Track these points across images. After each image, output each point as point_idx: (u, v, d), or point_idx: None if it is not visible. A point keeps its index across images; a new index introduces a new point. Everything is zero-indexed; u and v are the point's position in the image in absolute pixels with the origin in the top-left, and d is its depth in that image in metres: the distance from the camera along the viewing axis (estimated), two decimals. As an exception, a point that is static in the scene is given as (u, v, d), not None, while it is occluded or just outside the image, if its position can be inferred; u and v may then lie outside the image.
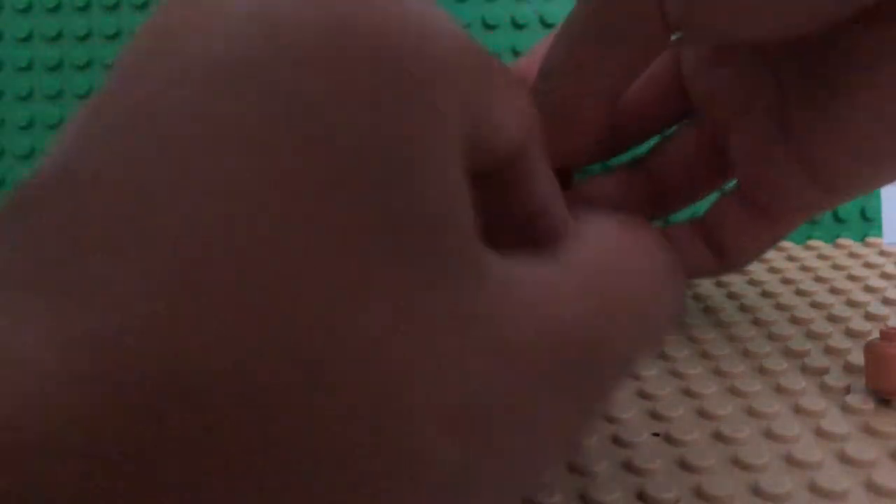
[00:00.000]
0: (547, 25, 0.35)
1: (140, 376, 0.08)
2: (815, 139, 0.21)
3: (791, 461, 0.18)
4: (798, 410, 0.20)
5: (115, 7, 0.36)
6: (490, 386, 0.10)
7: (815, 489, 0.17)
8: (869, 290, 0.28)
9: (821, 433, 0.19)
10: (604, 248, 0.13)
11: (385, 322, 0.09)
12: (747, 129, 0.23)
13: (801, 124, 0.22)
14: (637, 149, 0.34)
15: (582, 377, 0.11)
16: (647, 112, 0.26)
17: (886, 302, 0.27)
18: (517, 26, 0.35)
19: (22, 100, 0.35)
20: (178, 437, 0.08)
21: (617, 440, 0.19)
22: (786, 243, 0.33)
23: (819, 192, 0.22)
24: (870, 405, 0.20)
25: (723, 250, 0.24)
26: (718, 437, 0.19)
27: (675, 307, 0.14)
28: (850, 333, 0.25)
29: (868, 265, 0.31)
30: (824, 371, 0.22)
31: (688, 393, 0.21)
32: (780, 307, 0.27)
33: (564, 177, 0.27)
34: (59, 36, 0.36)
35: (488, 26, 0.35)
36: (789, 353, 0.23)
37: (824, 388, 0.21)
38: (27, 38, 0.36)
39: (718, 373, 0.22)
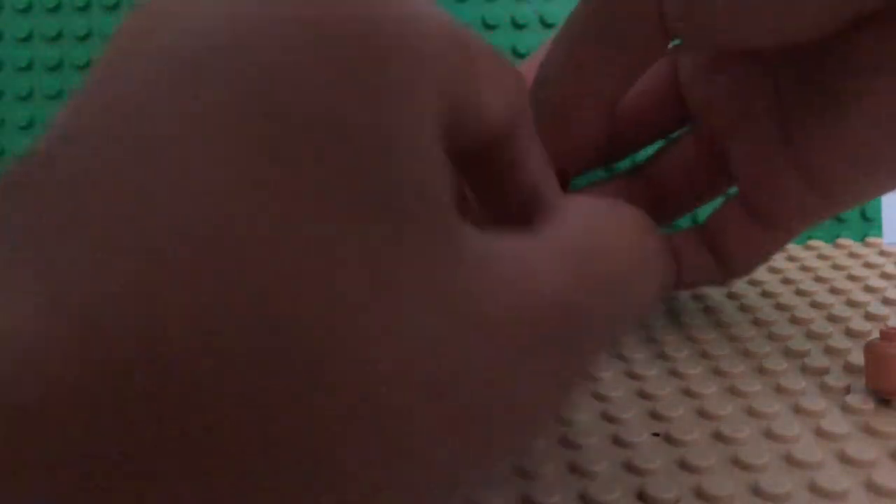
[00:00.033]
0: (547, 25, 0.35)
1: (117, 346, 0.08)
2: (814, 146, 0.21)
3: (791, 461, 0.18)
4: (798, 410, 0.20)
5: (115, 7, 0.36)
6: (468, 360, 0.10)
7: (815, 489, 0.17)
8: (869, 290, 0.28)
9: (821, 433, 0.19)
10: (586, 225, 0.13)
11: (362, 295, 0.09)
12: (746, 136, 0.23)
13: (799, 131, 0.22)
14: (636, 155, 0.34)
15: (560, 351, 0.11)
16: (645, 119, 0.26)
17: (886, 302, 0.27)
18: (517, 26, 0.35)
19: (22, 100, 0.35)
20: (157, 403, 0.08)
21: (617, 440, 0.19)
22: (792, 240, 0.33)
23: (818, 199, 0.22)
24: (870, 405, 0.20)
25: (725, 258, 0.24)
26: (718, 437, 0.19)
27: (660, 286, 0.14)
28: (850, 333, 0.25)
29: (868, 265, 0.31)
30: (824, 371, 0.22)
31: (688, 393, 0.21)
32: (780, 307, 0.27)
33: (561, 182, 0.27)
34: (59, 36, 0.36)
35: (488, 26, 0.35)
36: (789, 353, 0.23)
37: (824, 388, 0.21)
38: (27, 38, 0.36)
39: (718, 373, 0.22)
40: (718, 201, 0.26)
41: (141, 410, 0.08)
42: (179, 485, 0.08)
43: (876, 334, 0.20)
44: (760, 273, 0.30)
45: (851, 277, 0.30)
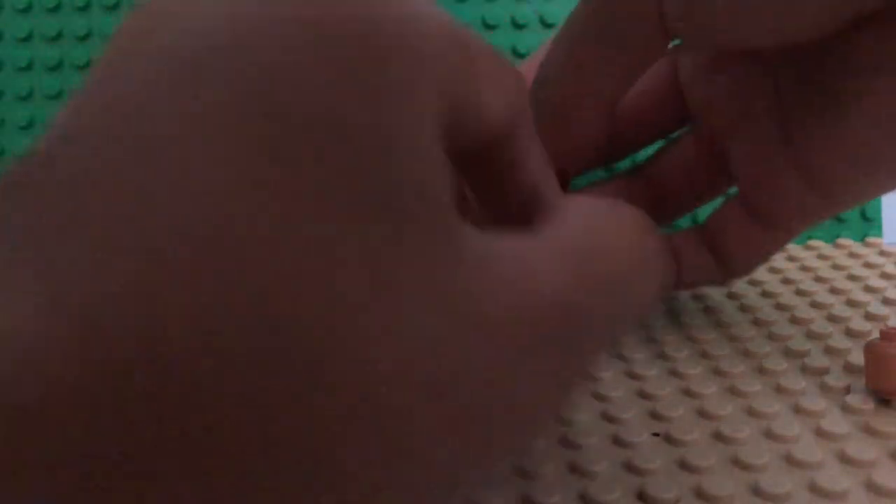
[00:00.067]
0: (547, 25, 0.35)
1: (117, 346, 0.08)
2: (814, 146, 0.21)
3: (791, 461, 0.18)
4: (798, 410, 0.20)
5: (115, 7, 0.36)
6: (468, 360, 0.10)
7: (815, 489, 0.17)
8: (869, 290, 0.28)
9: (821, 433, 0.19)
10: (586, 224, 0.13)
11: (362, 294, 0.09)
12: (746, 136, 0.23)
13: (799, 131, 0.22)
14: (636, 155, 0.34)
15: (560, 351, 0.11)
16: (645, 119, 0.26)
17: (886, 302, 0.27)
18: (517, 26, 0.35)
19: (22, 100, 0.35)
20: (157, 403, 0.08)
21: (617, 440, 0.19)
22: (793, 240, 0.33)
23: (818, 199, 0.22)
24: (870, 405, 0.20)
25: (725, 258, 0.24)
26: (718, 437, 0.19)
27: (660, 286, 0.14)
28: (850, 333, 0.25)
29: (868, 265, 0.31)
30: (824, 371, 0.22)
31: (688, 393, 0.21)
32: (780, 307, 0.27)
33: (561, 182, 0.27)
34: (59, 36, 0.36)
35: (488, 26, 0.35)
36: (789, 353, 0.23)
37: (824, 388, 0.21)
38: (27, 38, 0.36)
39: (718, 373, 0.22)
40: (718, 201, 0.26)
41: (141, 410, 0.08)
42: (179, 485, 0.08)
43: (876, 334, 0.20)
44: (760, 273, 0.30)
45: (851, 277, 0.30)
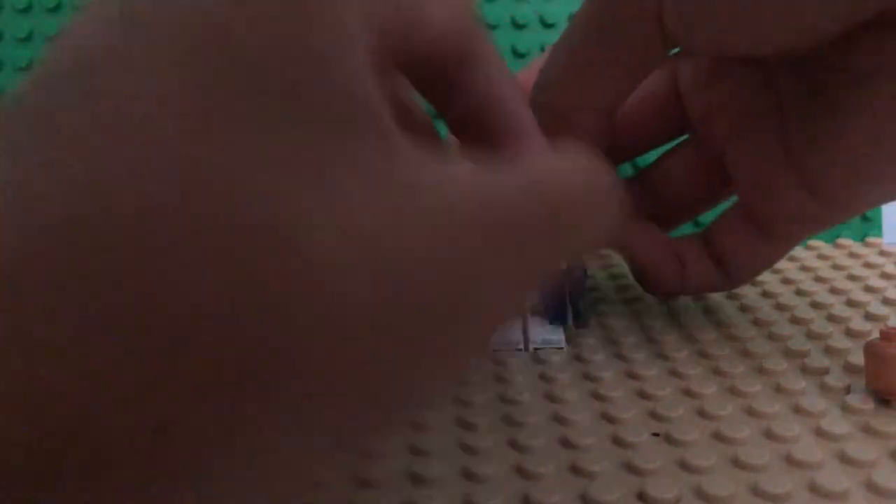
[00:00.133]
0: (547, 25, 0.35)
1: (68, 204, 0.09)
2: (814, 153, 0.21)
3: (791, 461, 0.18)
4: (798, 410, 0.20)
5: (115, 7, 0.36)
6: (408, 251, 0.10)
7: (815, 489, 0.17)
8: (869, 290, 0.28)
9: (821, 433, 0.19)
10: (545, 154, 0.14)
11: (298, 186, 0.09)
12: (745, 144, 0.23)
13: (799, 139, 0.22)
14: (637, 159, 0.34)
15: (505, 259, 0.12)
16: (645, 126, 0.26)
17: (886, 302, 0.27)
18: (517, 26, 0.35)
19: (22, 100, 0.35)
20: (109, 256, 0.09)
21: (617, 440, 0.19)
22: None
23: (818, 207, 0.22)
24: (870, 405, 0.20)
25: (725, 266, 0.24)
26: (718, 437, 0.19)
27: (611, 220, 0.15)
28: (850, 333, 0.25)
29: (868, 265, 0.31)
30: (824, 371, 0.22)
31: (688, 393, 0.21)
32: (780, 307, 0.27)
33: None
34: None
35: (489, 26, 0.35)
36: (789, 353, 0.23)
37: (824, 388, 0.21)
38: (27, 38, 0.36)
39: (718, 373, 0.22)
40: (721, 208, 0.26)
41: (95, 263, 0.08)
42: (131, 340, 0.08)
43: (876, 334, 0.20)
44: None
45: (851, 277, 0.30)
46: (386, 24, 0.12)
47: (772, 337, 0.25)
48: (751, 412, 0.20)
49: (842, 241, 0.34)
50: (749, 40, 0.19)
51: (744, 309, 0.27)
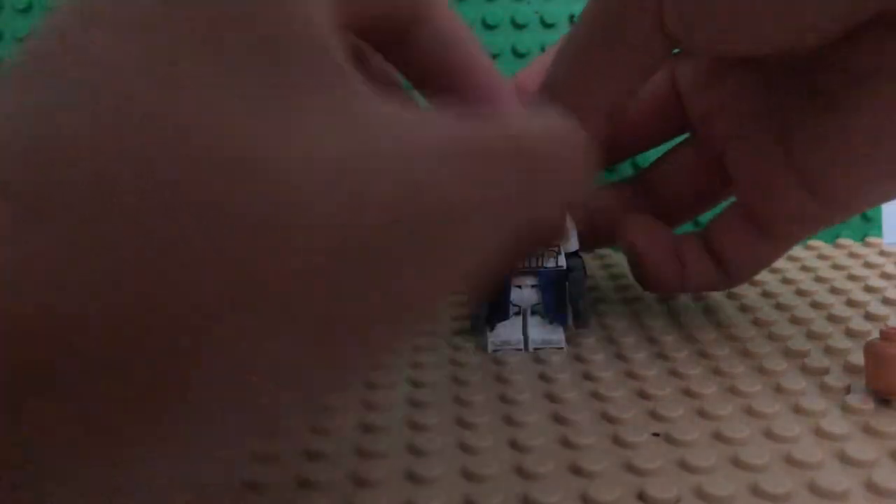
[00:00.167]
0: (547, 25, 0.35)
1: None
2: (814, 153, 0.21)
3: (791, 461, 0.18)
4: (798, 410, 0.20)
5: (115, 7, 0.36)
6: (374, 181, 0.10)
7: (815, 489, 0.17)
8: (869, 290, 0.28)
9: (821, 433, 0.19)
10: (515, 111, 0.15)
11: (260, 112, 0.10)
12: (744, 144, 0.24)
13: (799, 140, 0.22)
14: (639, 160, 0.34)
15: (471, 190, 0.12)
16: (645, 126, 0.26)
17: (886, 302, 0.27)
18: (517, 26, 0.35)
19: (22, 100, 0.35)
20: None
21: (617, 440, 0.19)
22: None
23: (818, 207, 0.22)
24: (870, 405, 0.20)
25: (724, 265, 0.25)
26: (718, 437, 0.19)
27: (585, 176, 0.15)
28: (850, 333, 0.25)
29: (868, 265, 0.31)
30: (824, 371, 0.22)
31: (688, 393, 0.21)
32: (780, 307, 0.27)
33: None
34: (59, 36, 0.36)
35: (488, 26, 0.35)
36: (789, 353, 0.23)
37: (824, 388, 0.21)
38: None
39: (718, 373, 0.22)
40: (721, 207, 0.26)
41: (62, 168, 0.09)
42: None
43: (876, 334, 0.20)
44: (760, 273, 0.30)
45: (851, 277, 0.30)
46: None
47: (772, 337, 0.25)
48: (751, 412, 0.20)
49: (842, 241, 0.34)
50: (749, 40, 0.19)
51: (744, 309, 0.27)
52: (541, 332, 0.24)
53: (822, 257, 0.32)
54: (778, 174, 0.22)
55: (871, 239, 0.34)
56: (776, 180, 0.22)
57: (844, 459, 0.18)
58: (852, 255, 0.32)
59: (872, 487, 0.17)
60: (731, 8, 0.19)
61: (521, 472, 0.18)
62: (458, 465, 0.18)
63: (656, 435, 0.19)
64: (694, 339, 0.25)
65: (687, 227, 0.29)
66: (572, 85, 0.22)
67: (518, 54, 0.35)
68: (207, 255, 0.09)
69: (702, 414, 0.20)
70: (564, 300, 0.24)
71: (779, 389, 0.21)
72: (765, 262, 0.25)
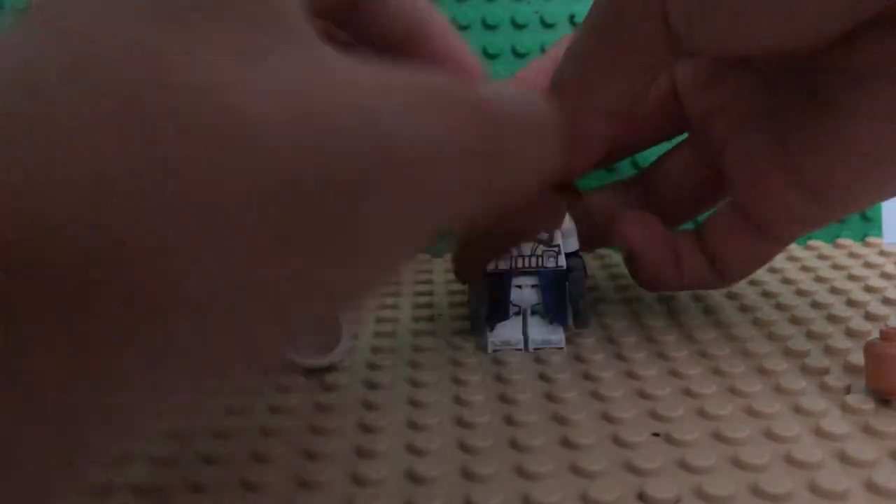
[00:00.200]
0: (547, 25, 0.35)
1: None
2: (814, 155, 0.21)
3: (791, 461, 0.18)
4: (798, 410, 0.20)
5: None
6: (324, 97, 0.11)
7: (815, 489, 0.17)
8: (869, 290, 0.28)
9: (821, 433, 0.19)
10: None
11: (222, 59, 0.10)
12: (741, 144, 0.24)
13: (799, 141, 0.22)
14: (639, 160, 0.34)
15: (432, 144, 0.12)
16: (644, 126, 0.26)
17: (886, 302, 0.27)
18: (517, 26, 0.35)
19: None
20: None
21: (617, 440, 0.19)
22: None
23: (815, 207, 0.22)
24: (870, 405, 0.20)
25: (718, 263, 0.25)
26: (718, 437, 0.19)
27: (551, 153, 0.15)
28: (850, 333, 0.25)
29: (868, 265, 0.31)
30: (824, 371, 0.22)
31: (688, 393, 0.21)
32: (780, 307, 0.27)
33: (566, 185, 0.27)
34: (59, 36, 0.36)
35: (488, 26, 0.35)
36: (789, 353, 0.23)
37: (824, 388, 0.21)
38: (27, 38, 0.36)
39: (718, 373, 0.22)
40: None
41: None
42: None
43: (876, 334, 0.20)
44: (760, 273, 0.30)
45: (851, 277, 0.30)
46: None
47: (772, 337, 0.25)
48: (751, 412, 0.20)
49: (842, 241, 0.34)
50: (749, 39, 0.19)
51: (744, 309, 0.27)
52: (541, 332, 0.24)
53: (822, 257, 0.32)
54: (776, 174, 0.22)
55: (871, 239, 0.34)
56: (775, 181, 0.22)
57: (844, 459, 0.18)
58: (852, 255, 0.32)
59: (872, 487, 0.17)
60: (733, 7, 0.19)
61: (521, 472, 0.18)
62: (458, 465, 0.18)
63: (656, 435, 0.19)
64: (694, 339, 0.25)
65: (687, 228, 0.29)
66: (576, 84, 0.22)
67: (518, 54, 0.35)
68: (172, 167, 0.09)
69: (702, 414, 0.20)
70: (564, 300, 0.24)
71: (779, 389, 0.21)
72: (760, 262, 0.25)
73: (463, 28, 0.35)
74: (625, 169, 0.34)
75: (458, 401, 0.21)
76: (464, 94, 0.13)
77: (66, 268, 0.09)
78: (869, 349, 0.20)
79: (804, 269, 0.31)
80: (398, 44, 0.17)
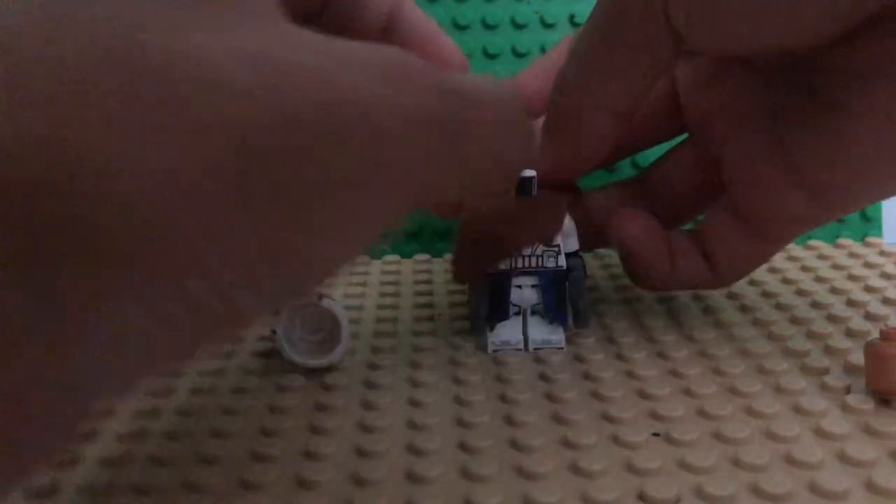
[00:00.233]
0: (547, 25, 0.35)
1: None
2: (814, 156, 0.21)
3: (791, 461, 0.18)
4: (798, 410, 0.20)
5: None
6: (292, 62, 0.11)
7: (815, 489, 0.17)
8: (869, 290, 0.28)
9: (821, 433, 0.19)
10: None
11: (203, 28, 0.11)
12: (739, 144, 0.24)
13: (798, 141, 0.22)
14: (639, 160, 0.34)
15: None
16: (643, 126, 0.26)
17: (886, 302, 0.27)
18: (517, 26, 0.35)
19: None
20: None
21: (617, 440, 0.19)
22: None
23: (817, 208, 0.22)
24: (870, 405, 0.20)
25: (714, 264, 0.24)
26: (718, 437, 0.19)
27: (525, 154, 0.16)
28: (850, 333, 0.25)
29: (868, 265, 0.31)
30: (824, 371, 0.22)
31: (688, 393, 0.21)
32: (780, 307, 0.27)
33: (572, 188, 0.27)
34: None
35: (488, 26, 0.35)
36: (789, 353, 0.23)
37: (824, 388, 0.21)
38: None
39: (718, 373, 0.22)
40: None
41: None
42: None
43: (876, 334, 0.20)
44: (760, 273, 0.30)
45: (851, 277, 0.30)
46: None
47: (772, 337, 0.25)
48: (751, 412, 0.20)
49: (842, 241, 0.34)
50: (750, 39, 0.20)
51: (744, 309, 0.27)
52: (541, 332, 0.24)
53: (822, 257, 0.32)
54: (776, 174, 0.22)
55: (871, 239, 0.34)
56: (774, 180, 0.22)
57: (844, 459, 0.18)
58: (852, 255, 0.32)
59: (872, 487, 0.17)
60: (733, 6, 0.19)
61: (521, 472, 0.18)
62: (458, 465, 0.18)
63: (656, 435, 0.19)
64: (694, 339, 0.25)
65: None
66: (579, 84, 0.22)
67: (518, 54, 0.35)
68: (135, 108, 0.09)
69: (702, 414, 0.20)
70: (564, 300, 0.24)
71: (779, 389, 0.21)
72: (757, 262, 0.25)
73: (463, 28, 0.35)
74: (625, 169, 0.34)
75: (458, 401, 0.21)
76: (429, 71, 0.13)
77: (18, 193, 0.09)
78: (869, 349, 0.20)
79: (804, 269, 0.31)
80: (376, 38, 0.17)
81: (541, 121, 0.24)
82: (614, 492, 0.17)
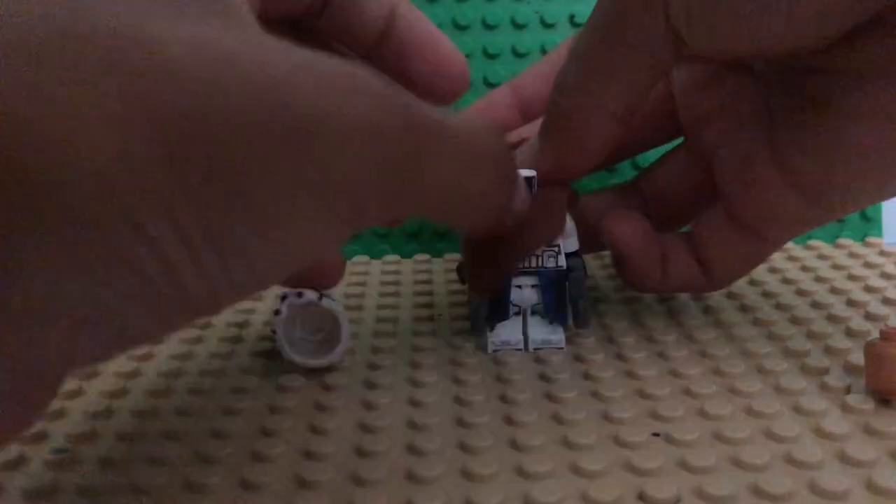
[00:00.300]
0: (547, 25, 0.35)
1: None
2: (809, 158, 0.21)
3: (791, 461, 0.18)
4: (798, 410, 0.20)
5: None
6: (252, 57, 0.11)
7: (815, 489, 0.17)
8: (869, 290, 0.28)
9: (821, 433, 0.19)
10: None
11: (165, 16, 0.11)
12: (734, 147, 0.24)
13: (794, 143, 0.22)
14: (639, 160, 0.34)
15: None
16: (640, 128, 0.26)
17: (886, 302, 0.27)
18: (517, 26, 0.35)
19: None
20: None
21: (617, 440, 0.19)
22: (786, 244, 0.33)
23: (817, 209, 0.22)
24: (870, 405, 0.20)
25: (708, 266, 0.24)
26: (718, 437, 0.19)
27: (505, 194, 0.16)
28: (850, 333, 0.25)
29: (868, 265, 0.31)
30: (824, 371, 0.22)
31: (688, 393, 0.21)
32: (780, 307, 0.27)
33: (567, 191, 0.27)
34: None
35: (488, 26, 0.35)
36: (789, 353, 0.23)
37: (824, 388, 0.21)
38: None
39: (718, 373, 0.22)
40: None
41: None
42: None
43: (876, 334, 0.20)
44: (760, 273, 0.30)
45: (851, 277, 0.30)
46: None
47: (772, 337, 0.25)
48: (751, 412, 0.20)
49: (842, 241, 0.34)
50: (750, 39, 0.19)
51: (744, 309, 0.27)
52: (541, 332, 0.24)
53: (822, 257, 0.32)
54: (775, 175, 0.22)
55: (871, 239, 0.34)
56: (772, 182, 0.22)
57: (844, 459, 0.18)
58: (852, 255, 0.32)
59: (872, 487, 0.17)
60: (733, 7, 0.19)
61: (521, 472, 0.18)
62: (458, 465, 0.18)
63: (656, 435, 0.19)
64: (694, 339, 0.25)
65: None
66: (579, 84, 0.22)
67: (518, 54, 0.35)
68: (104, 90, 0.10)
69: (702, 414, 0.20)
70: (564, 300, 0.24)
71: (779, 389, 0.21)
72: (751, 264, 0.25)
73: (463, 28, 0.35)
74: (625, 170, 0.34)
75: (458, 401, 0.21)
76: (397, 96, 0.13)
77: None
78: (869, 349, 0.20)
79: (804, 269, 0.31)
80: (372, 45, 0.17)
81: (538, 123, 0.24)
82: (614, 492, 0.17)
